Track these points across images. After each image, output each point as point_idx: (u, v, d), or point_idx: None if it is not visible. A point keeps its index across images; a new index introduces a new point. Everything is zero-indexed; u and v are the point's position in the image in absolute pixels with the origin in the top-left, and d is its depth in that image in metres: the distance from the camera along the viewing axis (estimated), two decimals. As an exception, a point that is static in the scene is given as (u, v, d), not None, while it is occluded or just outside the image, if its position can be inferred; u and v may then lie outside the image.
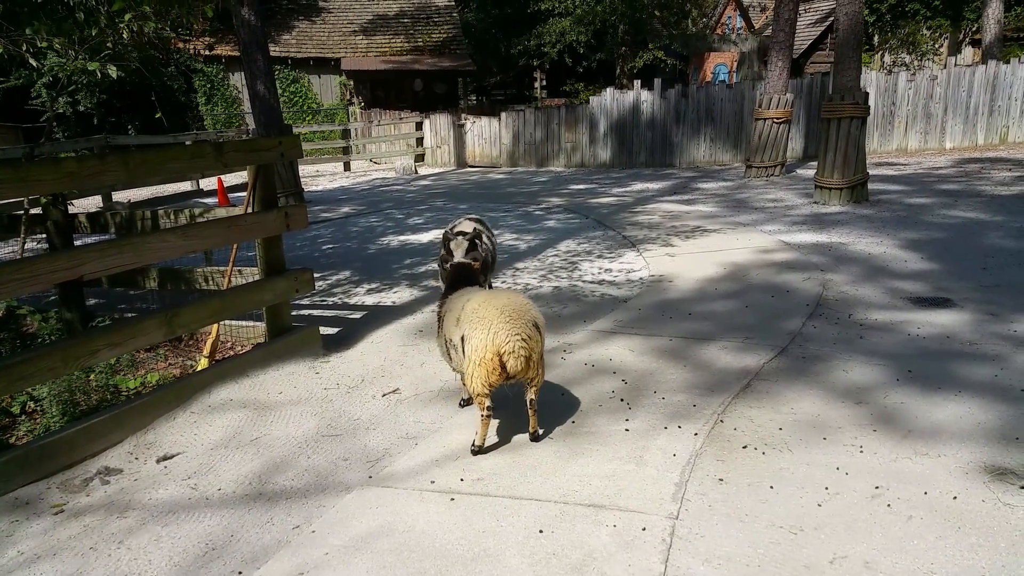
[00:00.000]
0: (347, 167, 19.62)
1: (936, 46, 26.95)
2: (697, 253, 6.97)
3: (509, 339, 3.02)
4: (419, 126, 19.49)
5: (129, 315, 5.76)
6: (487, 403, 3.15)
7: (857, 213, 8.57)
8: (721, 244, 7.29)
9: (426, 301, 5.94)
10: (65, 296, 5.14)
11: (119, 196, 12.03)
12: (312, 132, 21.39)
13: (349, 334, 5.17)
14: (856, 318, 4.81)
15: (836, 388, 3.73)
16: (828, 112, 9.15)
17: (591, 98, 17.21)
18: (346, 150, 19.74)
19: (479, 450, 3.24)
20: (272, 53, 13.13)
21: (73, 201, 6.81)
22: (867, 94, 9.20)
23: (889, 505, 2.67)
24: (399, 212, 11.25)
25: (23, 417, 4.17)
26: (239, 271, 4.93)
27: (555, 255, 7.45)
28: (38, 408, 4.18)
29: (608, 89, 16.92)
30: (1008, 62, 14.82)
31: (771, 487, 2.84)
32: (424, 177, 16.95)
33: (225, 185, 10.51)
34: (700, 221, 8.68)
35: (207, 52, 22.53)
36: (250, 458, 3.41)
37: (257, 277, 4.63)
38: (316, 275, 5.24)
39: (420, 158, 19.34)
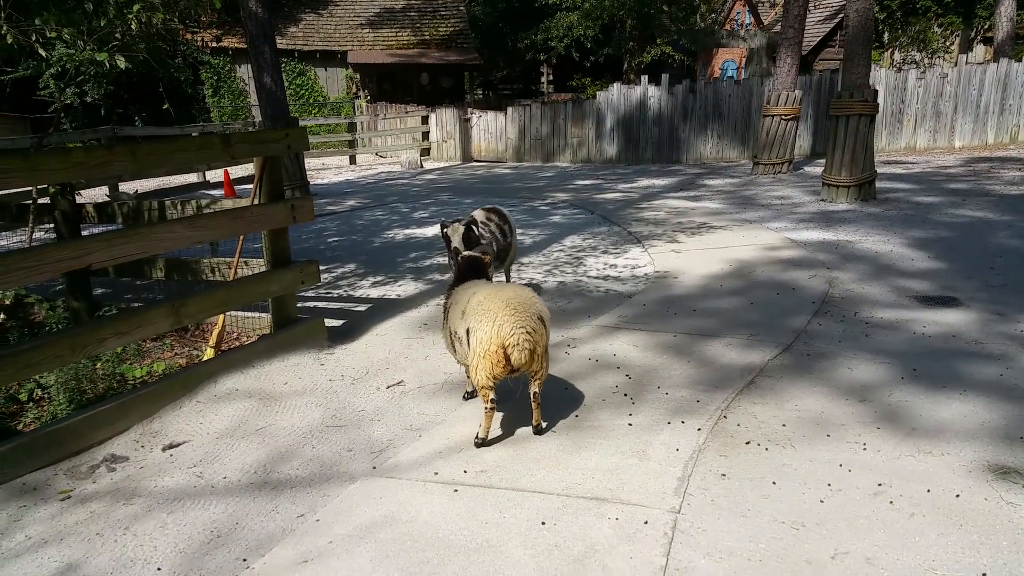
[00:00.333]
0: (353, 160, 19.64)
1: (947, 44, 26.75)
2: (703, 249, 6.96)
3: (514, 332, 3.03)
4: (425, 120, 19.48)
5: (136, 305, 5.79)
6: (491, 396, 3.16)
7: (864, 211, 8.54)
8: (727, 241, 7.28)
9: (431, 294, 5.96)
10: (72, 285, 5.16)
11: (124, 187, 12.08)
12: (318, 125, 21.39)
13: (354, 326, 5.19)
14: (862, 316, 4.81)
15: (840, 385, 3.72)
16: (837, 109, 9.11)
17: (598, 93, 17.16)
18: (352, 143, 19.75)
19: (483, 442, 3.26)
20: (279, 46, 13.14)
21: (81, 191, 6.84)
22: (876, 92, 9.16)
23: (891, 502, 2.68)
24: (404, 206, 11.26)
25: (31, 404, 4.20)
26: (245, 262, 4.94)
27: (560, 250, 7.45)
28: (45, 396, 4.22)
29: (615, 84, 16.88)
30: (1020, 60, 14.71)
31: (773, 483, 2.85)
32: (429, 171, 16.95)
33: (231, 177, 10.53)
34: (706, 218, 8.66)
35: (214, 44, 22.56)
36: (255, 447, 3.43)
37: (263, 269, 4.65)
38: (322, 268, 5.26)
39: (426, 152, 19.33)
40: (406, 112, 20.23)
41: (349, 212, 10.92)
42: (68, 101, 19.90)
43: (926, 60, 25.64)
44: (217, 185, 12.93)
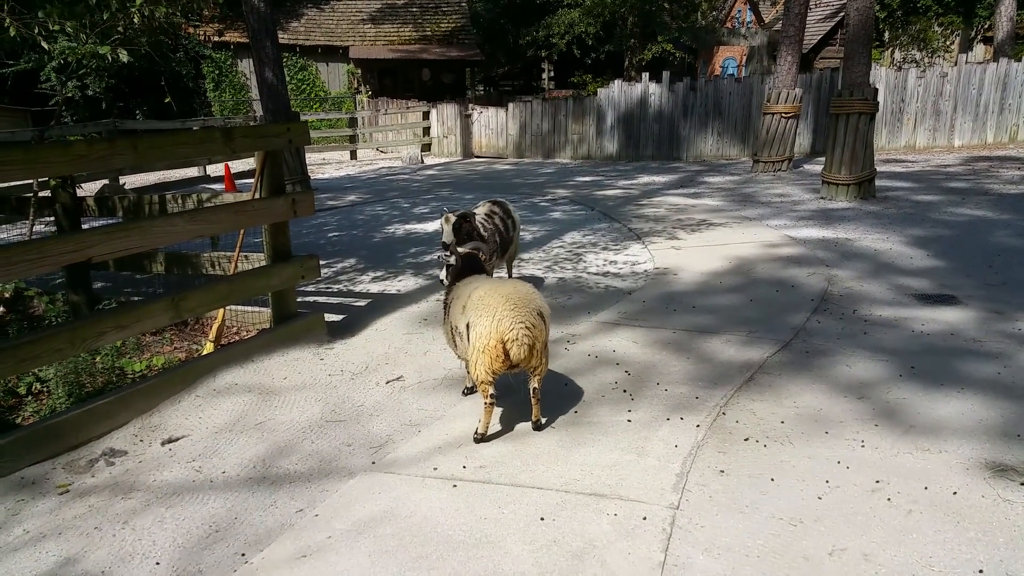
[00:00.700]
0: (353, 156, 19.62)
1: (947, 43, 26.72)
2: (702, 246, 6.96)
3: (513, 327, 3.03)
4: (426, 116, 19.47)
5: (136, 299, 5.79)
6: (491, 391, 3.17)
7: (864, 209, 8.54)
8: (727, 238, 7.28)
9: (431, 290, 5.96)
10: (72, 278, 5.16)
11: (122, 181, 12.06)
12: (319, 120, 21.39)
13: (354, 321, 5.19)
14: (861, 314, 4.81)
15: (839, 383, 3.73)
16: (837, 108, 9.10)
17: (599, 90, 17.14)
18: (353, 139, 19.73)
19: (482, 438, 3.26)
20: (281, 40, 13.11)
21: (81, 185, 6.83)
22: (876, 90, 9.15)
23: (889, 499, 2.69)
24: (405, 201, 11.26)
25: (30, 398, 4.21)
26: (245, 257, 4.94)
27: (560, 246, 7.46)
28: (44, 389, 4.22)
29: (616, 81, 16.86)
30: (1020, 60, 14.69)
31: (772, 479, 2.85)
32: (430, 167, 16.93)
33: (232, 172, 10.52)
34: (706, 215, 8.66)
35: (216, 38, 22.53)
36: (254, 442, 3.44)
37: (263, 263, 4.65)
38: (322, 262, 5.26)
39: (427, 148, 19.32)
40: (407, 107, 20.21)
41: (350, 207, 10.91)
42: (69, 94, 19.87)
43: (926, 59, 25.61)
44: (218, 179, 12.91)
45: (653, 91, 16.06)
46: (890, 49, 26.98)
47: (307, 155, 13.77)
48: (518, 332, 3.04)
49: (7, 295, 5.23)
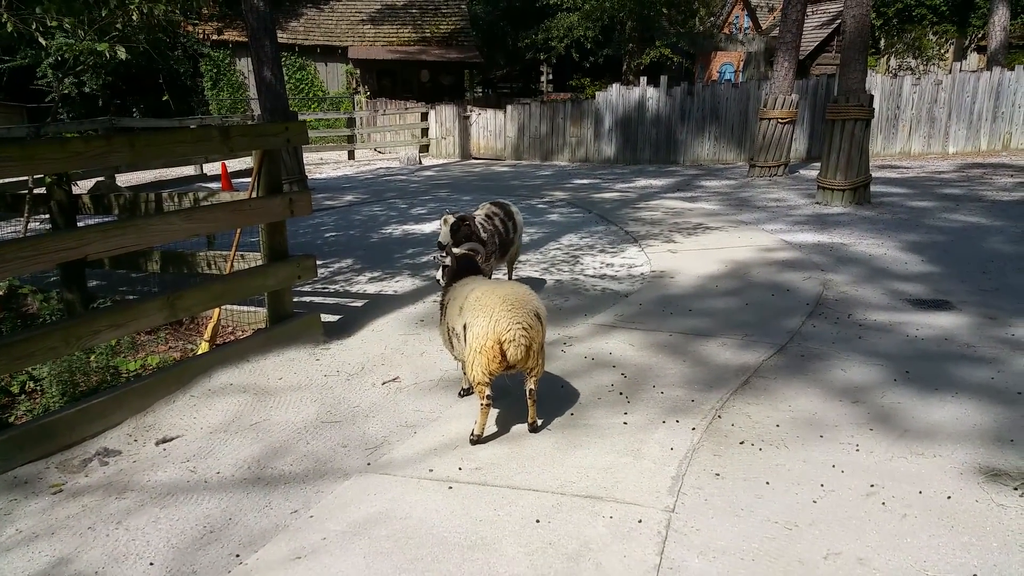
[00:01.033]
0: (351, 156, 19.60)
1: (942, 51, 26.88)
2: (699, 250, 6.98)
3: (510, 327, 3.04)
4: (424, 117, 19.47)
5: (131, 297, 5.77)
6: (487, 392, 3.17)
7: (859, 214, 8.58)
8: (723, 242, 7.30)
9: (428, 291, 5.95)
10: (67, 276, 5.14)
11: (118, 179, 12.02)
12: (317, 120, 21.36)
13: (350, 322, 5.18)
14: (856, 318, 4.83)
15: (834, 387, 3.74)
16: (833, 114, 9.14)
17: (597, 94, 17.18)
18: (351, 139, 19.72)
19: (478, 439, 3.26)
20: (279, 40, 13.09)
21: (77, 182, 6.81)
22: (872, 97, 9.20)
23: (884, 503, 2.69)
24: (402, 202, 11.25)
25: (23, 397, 4.19)
26: (242, 256, 4.93)
27: (557, 248, 7.46)
28: (38, 388, 4.20)
29: (614, 85, 16.90)
30: (1013, 69, 14.79)
31: (767, 483, 2.86)
32: (428, 168, 16.93)
33: (229, 170, 10.49)
34: (703, 218, 8.68)
35: (215, 37, 22.49)
36: (249, 442, 3.43)
37: (260, 262, 4.64)
38: (319, 262, 5.25)
39: (425, 149, 19.32)
40: (406, 108, 20.20)
41: (347, 207, 10.90)
42: (66, 91, 19.79)
43: (921, 67, 25.76)
44: (215, 178, 12.88)
45: (651, 95, 16.10)
46: (886, 56, 27.12)
47: (305, 155, 13.75)
48: (515, 333, 3.04)
49: (1, 292, 5.21)
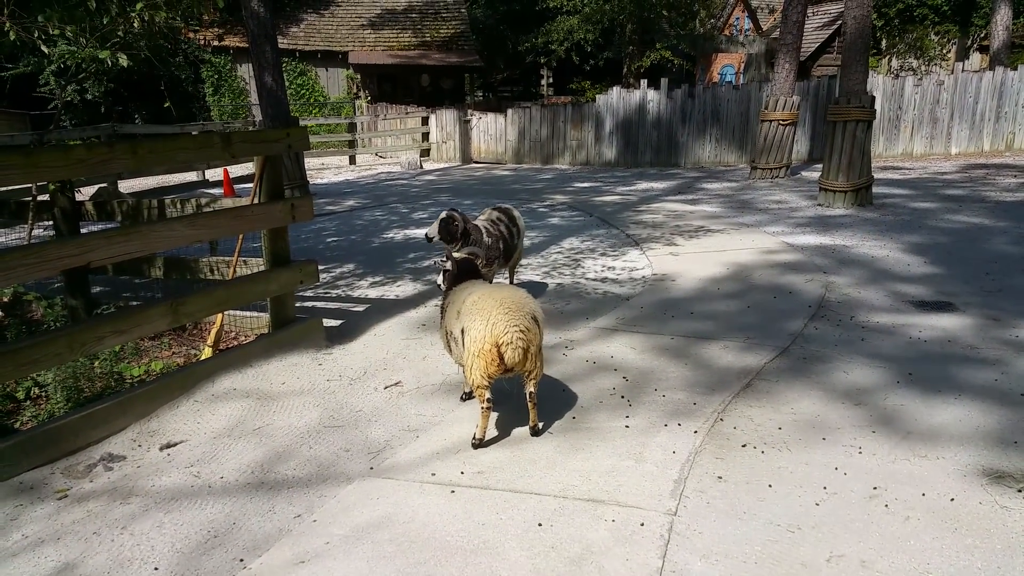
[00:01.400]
0: (352, 161, 19.64)
1: (944, 51, 26.87)
2: (700, 253, 6.98)
3: (507, 330, 3.05)
4: (425, 121, 19.50)
5: (134, 303, 5.79)
6: (487, 395, 3.18)
7: (861, 216, 8.57)
8: (724, 244, 7.30)
9: (429, 295, 5.96)
10: (71, 283, 5.17)
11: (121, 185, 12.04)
12: (318, 125, 21.40)
13: (352, 326, 5.19)
14: (858, 320, 4.82)
15: (836, 389, 3.74)
16: (834, 115, 9.14)
17: (597, 97, 17.20)
18: (352, 144, 19.75)
19: (479, 443, 3.27)
20: (280, 45, 13.14)
21: (80, 189, 6.83)
22: (873, 98, 9.19)
23: (887, 505, 2.69)
24: (404, 207, 11.27)
25: (28, 403, 4.20)
26: (244, 262, 4.95)
27: (559, 252, 7.47)
28: (43, 394, 4.21)
29: (614, 88, 16.91)
30: (1016, 68, 14.77)
31: (769, 486, 2.86)
32: (429, 172, 16.96)
33: (231, 176, 10.52)
34: (704, 221, 8.68)
35: (216, 43, 22.57)
36: (253, 447, 3.44)
37: (262, 268, 4.66)
38: (320, 267, 5.27)
39: (425, 153, 19.35)
40: (406, 113, 20.24)
41: (348, 212, 10.92)
42: (68, 98, 19.88)
43: (923, 67, 25.75)
44: (217, 184, 12.92)
45: (651, 98, 16.12)
46: (887, 57, 27.11)
47: (306, 160, 13.80)
48: (512, 336, 3.06)
49: (5, 299, 5.23)
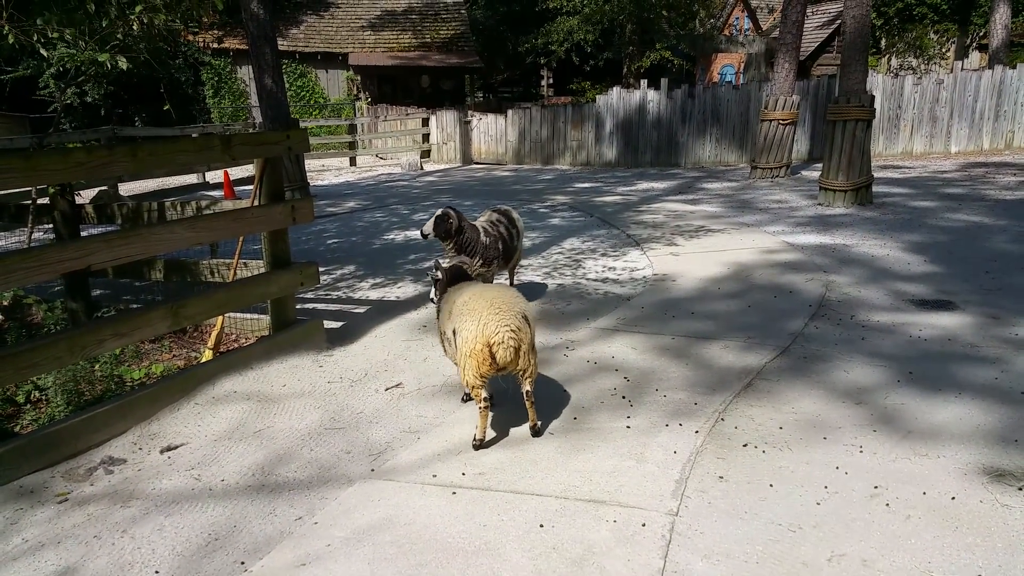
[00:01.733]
0: (353, 162, 19.66)
1: (943, 50, 26.86)
2: (701, 252, 6.98)
3: (498, 330, 3.06)
4: (425, 122, 19.51)
5: (134, 306, 5.79)
6: (483, 394, 3.18)
7: (861, 215, 8.57)
8: (725, 244, 7.30)
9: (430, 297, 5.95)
10: (71, 286, 5.17)
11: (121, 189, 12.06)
12: (318, 127, 21.41)
13: (353, 328, 5.19)
14: (858, 319, 4.82)
15: (837, 388, 3.74)
16: (834, 114, 9.14)
17: (597, 97, 17.20)
18: (352, 145, 19.76)
19: (480, 444, 3.27)
20: (280, 47, 13.15)
21: (80, 192, 6.84)
22: (873, 97, 9.19)
23: (888, 504, 2.69)
24: (404, 208, 11.27)
25: (28, 406, 4.20)
26: (244, 264, 4.95)
27: (559, 252, 7.47)
28: (43, 397, 4.22)
29: (614, 88, 16.92)
30: (1015, 67, 14.76)
31: (771, 485, 2.86)
32: (430, 173, 16.96)
33: (231, 178, 10.52)
34: (704, 221, 8.68)
35: (215, 45, 22.58)
36: (253, 450, 3.44)
37: (263, 270, 4.66)
38: (321, 269, 5.27)
39: (426, 154, 19.36)
40: (406, 114, 20.25)
41: (349, 214, 10.92)
42: (68, 101, 19.90)
43: (922, 66, 25.74)
44: (217, 186, 12.93)
45: (651, 98, 16.12)
46: (887, 56, 27.11)
47: (306, 161, 13.80)
48: (503, 335, 3.06)
49: (5, 303, 5.23)
